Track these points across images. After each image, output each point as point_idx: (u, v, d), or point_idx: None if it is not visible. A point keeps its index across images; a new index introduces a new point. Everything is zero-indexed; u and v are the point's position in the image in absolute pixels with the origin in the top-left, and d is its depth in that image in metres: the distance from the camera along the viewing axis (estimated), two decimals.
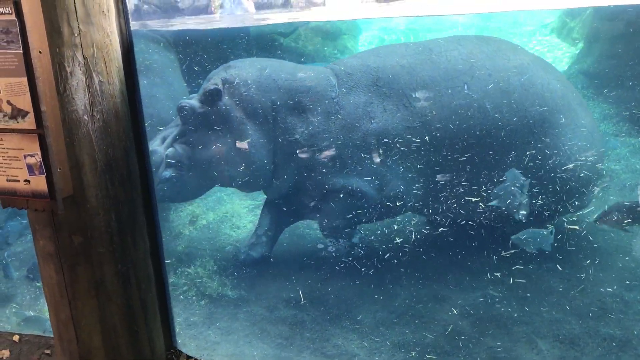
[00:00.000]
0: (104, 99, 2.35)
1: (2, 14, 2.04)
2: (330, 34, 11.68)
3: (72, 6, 2.18)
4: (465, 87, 5.34)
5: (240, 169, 5.46)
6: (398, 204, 5.53)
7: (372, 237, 6.07)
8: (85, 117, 2.29)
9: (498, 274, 5.34)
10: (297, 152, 5.50)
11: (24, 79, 2.09)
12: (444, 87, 5.40)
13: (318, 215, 5.70)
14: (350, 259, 5.64)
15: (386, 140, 5.39)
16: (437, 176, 5.48)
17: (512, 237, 5.22)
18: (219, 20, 9.81)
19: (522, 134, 5.35)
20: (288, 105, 5.51)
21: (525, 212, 5.17)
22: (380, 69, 5.56)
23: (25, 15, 2.02)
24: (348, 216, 5.59)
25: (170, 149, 5.46)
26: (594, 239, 5.83)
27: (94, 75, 2.30)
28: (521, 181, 5.19)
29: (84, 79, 2.26)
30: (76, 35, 2.21)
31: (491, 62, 5.51)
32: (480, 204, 5.48)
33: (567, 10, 11.44)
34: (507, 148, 5.35)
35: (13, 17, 2.03)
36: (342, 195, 5.48)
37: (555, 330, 4.63)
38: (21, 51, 2.06)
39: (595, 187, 5.72)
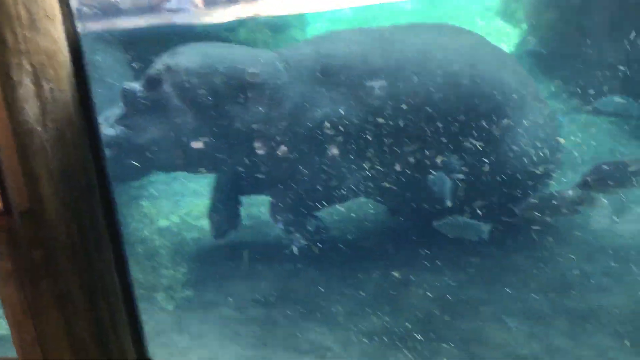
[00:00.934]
0: (56, 107, 2.25)
1: None
2: (278, 27, 11.62)
3: (14, 12, 2.08)
4: (415, 78, 5.37)
5: (179, 155, 5.45)
6: (344, 191, 5.56)
7: (334, 228, 6.08)
8: (38, 127, 2.19)
9: (462, 257, 5.44)
10: (241, 139, 5.46)
11: None
12: (393, 76, 5.41)
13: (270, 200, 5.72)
14: (314, 250, 5.63)
15: (333, 128, 5.39)
16: (386, 164, 5.52)
17: (435, 223, 5.20)
18: (164, 18, 9.60)
19: (470, 128, 5.40)
20: (231, 92, 5.46)
21: (450, 201, 5.18)
22: (330, 55, 5.53)
23: None
24: (295, 204, 5.59)
25: (109, 129, 5.37)
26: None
27: (44, 83, 2.20)
28: (452, 173, 5.24)
29: (33, 88, 2.16)
30: (21, 42, 2.11)
31: (443, 53, 5.53)
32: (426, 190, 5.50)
33: None
34: (455, 140, 5.40)
35: None
36: (287, 184, 5.49)
37: (522, 307, 4.77)
38: None
39: (551, 178, 5.87)
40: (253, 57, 5.60)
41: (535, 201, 5.24)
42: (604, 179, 5.04)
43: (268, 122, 5.39)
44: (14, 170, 2.10)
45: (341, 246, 5.68)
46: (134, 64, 7.94)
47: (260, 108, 5.41)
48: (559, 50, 8.47)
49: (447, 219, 5.18)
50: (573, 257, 5.45)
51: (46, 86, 2.22)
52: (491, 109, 5.37)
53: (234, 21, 10.16)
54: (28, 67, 2.14)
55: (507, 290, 4.96)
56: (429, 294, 4.94)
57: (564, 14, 8.44)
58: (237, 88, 5.37)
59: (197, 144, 5.31)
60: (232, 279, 5.22)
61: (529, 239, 5.56)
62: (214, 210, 6.00)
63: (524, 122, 5.56)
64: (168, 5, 10.74)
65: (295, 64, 5.48)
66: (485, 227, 5.10)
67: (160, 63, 5.47)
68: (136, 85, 5.39)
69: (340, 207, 6.11)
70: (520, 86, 5.58)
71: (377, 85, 5.33)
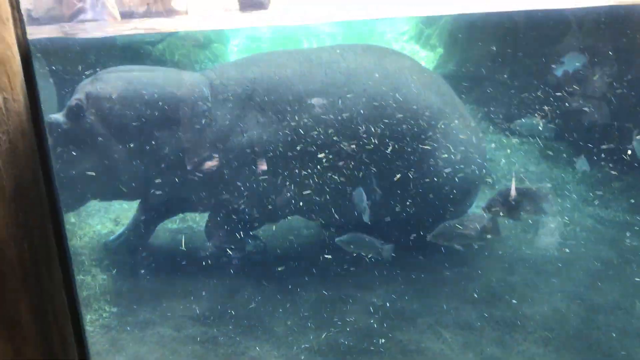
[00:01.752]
0: (9, 118, 2.11)
1: None
2: (200, 42, 11.51)
3: None
4: (340, 101, 5.48)
5: (109, 184, 5.36)
6: (273, 212, 5.63)
7: (271, 245, 6.06)
8: None
9: (395, 271, 5.59)
10: (168, 166, 5.42)
11: None
12: (319, 100, 5.50)
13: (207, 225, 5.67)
14: (251, 267, 5.59)
15: (258, 153, 5.44)
16: (313, 183, 5.59)
17: (337, 239, 5.36)
18: (83, 28, 9.20)
19: (392, 146, 5.55)
20: (156, 119, 5.39)
21: (367, 217, 5.37)
22: (256, 80, 5.55)
23: None
24: (225, 227, 5.58)
25: None
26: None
27: None
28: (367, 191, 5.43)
29: None
30: None
31: (368, 75, 5.65)
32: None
33: (421, 18, 12.24)
34: (377, 158, 5.54)
35: None
36: (216, 208, 5.49)
37: (455, 318, 4.96)
38: None
39: (475, 194, 6.16)
40: (178, 79, 5.52)
41: (445, 227, 5.30)
42: (508, 204, 5.27)
43: (194, 145, 5.36)
44: None
45: (276, 262, 5.66)
46: (51, 79, 7.57)
47: (186, 131, 5.37)
48: (474, 73, 8.98)
49: (349, 235, 5.30)
50: (497, 269, 5.77)
51: (0, 96, 2.07)
52: (415, 129, 5.55)
53: (155, 34, 9.94)
54: None
55: (440, 302, 5.16)
56: (365, 308, 5.03)
57: (479, 39, 8.99)
58: (162, 112, 5.29)
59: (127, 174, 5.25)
60: (166, 298, 5.04)
61: (454, 252, 5.82)
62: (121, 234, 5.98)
63: (448, 142, 5.78)
64: (83, 16, 10.31)
65: (221, 87, 5.47)
66: (387, 247, 5.23)
67: (81, 91, 5.27)
68: (59, 117, 5.17)
69: (273, 226, 6.13)
70: (445, 106, 5.84)
71: (304, 107, 5.40)
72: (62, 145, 5.20)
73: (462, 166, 5.76)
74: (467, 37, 9.40)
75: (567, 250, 6.15)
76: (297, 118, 5.40)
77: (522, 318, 5.02)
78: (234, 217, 5.53)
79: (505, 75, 8.39)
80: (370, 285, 5.40)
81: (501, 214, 5.26)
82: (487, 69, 8.66)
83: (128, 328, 4.54)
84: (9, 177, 2.13)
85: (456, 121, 5.86)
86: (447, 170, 5.71)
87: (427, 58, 11.58)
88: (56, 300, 2.41)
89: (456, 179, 5.75)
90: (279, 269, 5.48)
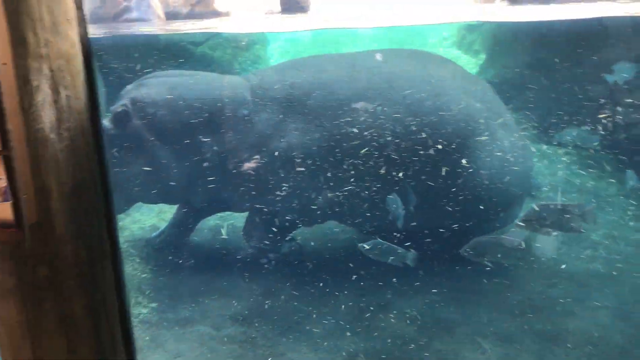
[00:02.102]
0: (71, 116, 2.13)
1: None
2: (242, 44, 11.60)
3: (37, 14, 1.97)
4: (380, 108, 5.40)
5: (155, 187, 5.44)
6: (310, 216, 5.57)
7: (311, 248, 6.04)
8: (52, 136, 2.06)
9: (434, 279, 5.50)
10: (210, 168, 5.48)
11: None
12: (359, 106, 5.43)
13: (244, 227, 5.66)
14: (291, 269, 5.59)
15: (296, 158, 5.42)
16: (349, 192, 5.53)
17: (359, 245, 5.27)
18: (128, 28, 9.38)
19: (434, 156, 5.43)
20: (198, 123, 5.45)
21: (400, 223, 5.28)
22: (296, 85, 5.53)
23: None
24: (262, 228, 5.59)
25: None
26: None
27: (61, 90, 2.08)
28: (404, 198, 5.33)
29: (50, 94, 2.04)
30: (42, 45, 1.99)
31: (410, 82, 5.53)
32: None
33: (464, 24, 12.10)
34: (419, 167, 5.42)
35: None
36: (254, 210, 5.51)
37: (494, 329, 4.85)
38: None
39: (520, 206, 5.99)
40: (220, 84, 5.55)
41: (478, 242, 5.14)
42: (538, 220, 5.08)
43: (234, 149, 5.40)
44: (25, 180, 1.96)
45: (316, 265, 5.64)
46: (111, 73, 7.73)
47: (227, 135, 5.41)
48: (517, 80, 8.80)
49: (371, 242, 5.22)
50: (538, 281, 5.62)
51: (63, 93, 2.10)
52: (456, 137, 5.42)
53: (198, 34, 10.06)
54: (47, 72, 2.02)
55: (479, 312, 5.05)
56: (404, 315, 4.96)
57: (523, 45, 8.80)
58: (204, 116, 5.34)
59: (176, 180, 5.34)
60: (207, 297, 5.07)
61: (494, 262, 5.69)
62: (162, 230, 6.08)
63: (490, 152, 5.62)
64: (128, 15, 10.50)
65: (262, 91, 5.47)
66: (411, 255, 5.15)
67: (126, 97, 5.35)
68: (105, 122, 5.26)
69: (310, 228, 6.11)
70: (489, 115, 5.70)
71: (343, 112, 5.34)
72: (108, 149, 5.30)
73: (504, 177, 5.61)
74: (512, 42, 9.22)
75: (612, 265, 5.96)
76: (336, 123, 5.36)
77: (564, 332, 4.88)
78: (271, 219, 5.54)
79: (549, 83, 8.19)
80: (409, 293, 5.32)
81: (537, 228, 5.09)
82: (531, 76, 8.47)
83: (168, 324, 4.57)
84: (67, 174, 2.15)
85: (500, 131, 5.72)
86: (487, 182, 5.57)
87: (469, 63, 11.42)
88: (108, 299, 2.43)
89: (497, 191, 5.60)
90: (318, 273, 5.45)
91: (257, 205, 5.55)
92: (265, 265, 5.53)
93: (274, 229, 5.59)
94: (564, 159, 7.89)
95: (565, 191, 7.25)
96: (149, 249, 6.00)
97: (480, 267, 5.67)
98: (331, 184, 5.44)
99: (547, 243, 5.29)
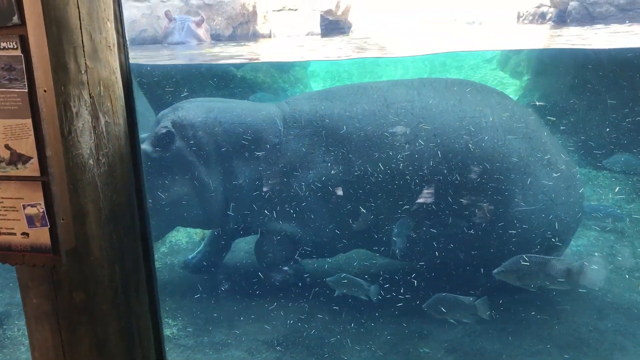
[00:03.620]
0: (109, 142, 2.15)
1: (5, 49, 1.83)
2: (282, 66, 11.72)
3: (79, 40, 2.00)
4: (407, 144, 5.27)
5: (196, 211, 5.47)
6: (336, 246, 5.64)
7: (351, 270, 5.96)
8: (91, 162, 2.08)
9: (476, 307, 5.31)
10: (242, 195, 5.49)
11: (28, 121, 1.87)
12: (387, 142, 5.31)
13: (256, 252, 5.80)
14: (327, 295, 5.51)
15: (323, 190, 5.38)
16: (373, 225, 5.43)
17: (326, 280, 5.35)
18: (170, 54, 9.59)
19: (466, 195, 5.25)
20: (232, 149, 5.48)
21: (399, 249, 5.28)
22: (327, 116, 5.50)
23: (32, 51, 1.82)
24: (273, 251, 5.58)
25: None
26: None
27: (100, 116, 2.11)
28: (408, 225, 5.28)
29: (90, 120, 2.07)
30: (83, 72, 2.02)
31: (443, 116, 5.35)
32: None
33: None
34: (447, 206, 5.28)
35: (18, 52, 1.82)
36: (277, 239, 5.50)
37: None
38: (26, 90, 1.85)
39: (566, 243, 5.74)
40: (253, 112, 5.59)
41: (439, 298, 4.91)
42: (517, 273, 4.84)
43: (264, 176, 5.43)
44: (64, 205, 1.97)
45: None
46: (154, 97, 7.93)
47: (258, 161, 5.45)
48: (561, 104, 8.55)
49: (337, 276, 5.25)
50: (585, 312, 5.37)
51: (102, 119, 2.12)
52: (492, 176, 5.19)
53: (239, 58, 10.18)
54: (87, 98, 2.05)
55: (522, 343, 4.85)
56: (443, 345, 4.80)
57: (570, 69, 8.58)
58: (237, 142, 5.39)
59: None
60: (241, 321, 5.03)
61: (539, 292, 5.47)
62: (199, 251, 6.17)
63: (531, 191, 5.33)
64: (170, 39, 10.74)
65: (293, 121, 5.49)
66: (373, 287, 5.15)
67: (165, 120, 5.43)
68: (146, 147, 5.32)
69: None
70: (532, 152, 5.37)
71: (370, 146, 5.26)
72: (150, 172, 5.35)
73: (545, 216, 5.35)
74: (557, 65, 8.99)
75: None
76: (363, 157, 5.31)
77: None
78: (292, 244, 5.54)
79: (596, 107, 7.93)
80: (450, 322, 5.16)
81: (515, 280, 4.86)
82: (576, 99, 8.22)
83: (202, 349, 4.55)
84: (105, 199, 2.16)
85: (546, 168, 5.41)
86: (525, 226, 5.32)
87: (512, 86, 11.21)
88: (142, 323, 2.42)
89: (537, 231, 5.36)
90: (355, 299, 5.35)
91: (283, 230, 5.53)
92: (302, 289, 5.48)
93: (288, 252, 5.60)
94: (609, 183, 7.61)
95: (616, 217, 6.96)
96: (185, 270, 6.03)
97: (523, 296, 5.47)
98: (354, 216, 5.40)
99: (596, 273, 5.07)
